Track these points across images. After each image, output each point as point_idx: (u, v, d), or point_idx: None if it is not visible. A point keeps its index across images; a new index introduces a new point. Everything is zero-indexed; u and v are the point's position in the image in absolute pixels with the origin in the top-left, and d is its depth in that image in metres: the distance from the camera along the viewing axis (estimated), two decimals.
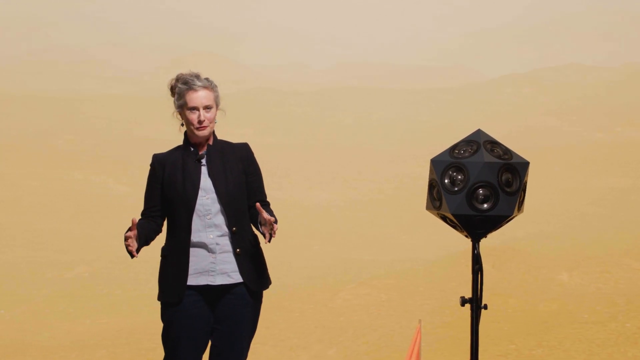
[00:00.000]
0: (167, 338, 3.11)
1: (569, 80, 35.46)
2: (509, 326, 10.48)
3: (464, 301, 2.82)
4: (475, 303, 2.80)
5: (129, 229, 3.01)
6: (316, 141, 27.53)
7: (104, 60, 46.77)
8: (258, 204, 3.05)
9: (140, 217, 3.18)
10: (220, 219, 3.09)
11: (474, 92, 34.03)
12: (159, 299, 3.14)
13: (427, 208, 2.87)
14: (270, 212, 3.16)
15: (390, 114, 31.21)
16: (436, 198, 2.83)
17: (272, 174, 23.76)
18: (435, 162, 2.83)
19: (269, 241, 3.06)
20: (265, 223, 3.04)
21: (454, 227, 2.83)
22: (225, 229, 3.09)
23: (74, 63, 45.06)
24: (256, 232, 3.21)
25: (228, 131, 29.41)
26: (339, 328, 11.47)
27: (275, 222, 3.06)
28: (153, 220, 3.16)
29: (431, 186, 2.87)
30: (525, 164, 2.87)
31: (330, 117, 30.72)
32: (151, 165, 3.18)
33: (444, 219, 2.84)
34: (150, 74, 41.78)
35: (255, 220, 3.15)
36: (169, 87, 3.24)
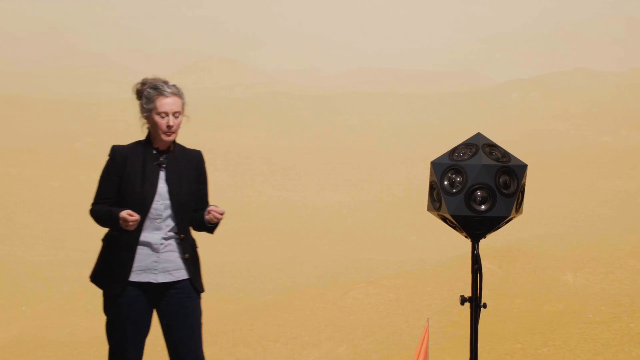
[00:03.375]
0: (113, 333, 3.20)
1: (575, 84, 35.28)
2: (514, 325, 10.44)
3: (463, 300, 2.84)
4: (474, 302, 2.82)
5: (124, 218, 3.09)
6: (327, 144, 27.55)
7: (122, 65, 47.02)
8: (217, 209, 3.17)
9: (92, 206, 3.21)
10: (169, 223, 3.15)
11: (482, 97, 33.93)
12: (92, 280, 3.22)
13: (428, 209, 2.90)
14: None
15: (399, 117, 31.18)
16: (436, 199, 2.86)
17: (284, 176, 23.78)
18: (435, 165, 2.86)
19: (209, 222, 3.17)
20: (211, 215, 3.16)
21: (454, 227, 2.85)
22: (172, 233, 3.16)
23: (93, 68, 45.34)
24: (194, 237, 3.28)
25: (242, 134, 29.53)
26: (348, 326, 11.48)
27: (221, 213, 3.19)
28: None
29: (431, 188, 2.89)
30: (523, 167, 2.88)
31: (341, 121, 30.73)
32: (111, 156, 3.19)
33: (444, 219, 2.86)
34: (167, 78, 41.87)
35: (197, 222, 3.23)
36: (135, 90, 3.24)
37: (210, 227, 3.20)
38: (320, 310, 12.06)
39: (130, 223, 3.06)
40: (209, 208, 3.16)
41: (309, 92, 35.72)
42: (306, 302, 12.34)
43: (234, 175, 23.90)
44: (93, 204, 3.21)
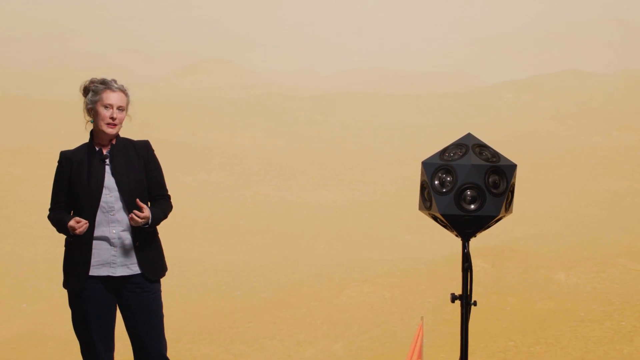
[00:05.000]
0: (79, 326, 3.27)
1: (567, 86, 35.35)
2: (507, 324, 10.45)
3: (454, 298, 2.85)
4: (465, 300, 2.83)
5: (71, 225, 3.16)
6: (322, 144, 27.55)
7: (121, 66, 46.94)
8: (137, 199, 3.18)
9: (49, 211, 3.32)
10: (122, 215, 3.20)
11: (475, 98, 33.97)
12: (64, 286, 3.29)
13: (420, 208, 2.91)
14: (164, 205, 3.29)
15: (393, 118, 31.20)
16: (427, 199, 2.86)
17: (280, 176, 23.77)
18: (425, 165, 2.87)
19: (131, 222, 3.17)
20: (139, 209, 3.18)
21: (445, 226, 2.86)
22: (127, 224, 3.20)
23: (92, 69, 45.24)
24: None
25: (239, 134, 29.49)
26: (344, 324, 11.47)
27: (146, 219, 3.16)
28: (66, 212, 3.30)
29: (422, 187, 2.90)
30: (513, 167, 2.87)
31: (335, 121, 30.74)
32: (59, 162, 3.30)
33: (435, 218, 2.87)
34: (164, 79, 41.90)
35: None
36: (82, 87, 3.33)
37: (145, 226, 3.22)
38: (316, 308, 12.06)
39: (78, 231, 3.14)
40: (131, 214, 3.17)
41: (304, 93, 35.72)
42: (302, 300, 12.33)
43: (231, 174, 23.88)
44: (49, 210, 3.33)
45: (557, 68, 42.34)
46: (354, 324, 11.38)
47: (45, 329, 12.41)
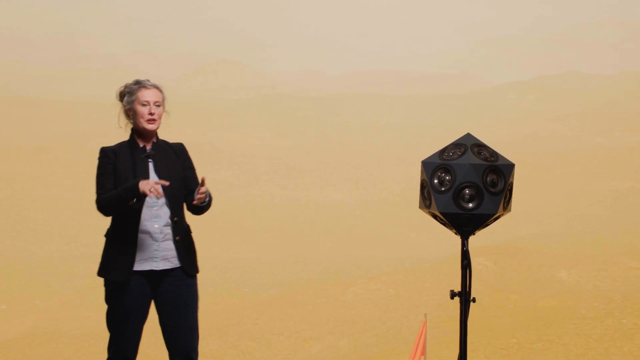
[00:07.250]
0: (114, 320, 3.26)
1: (570, 87, 35.26)
2: (510, 321, 10.43)
3: (453, 294, 2.87)
4: (464, 296, 2.85)
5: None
6: (329, 144, 27.57)
7: (132, 67, 47.10)
8: (204, 177, 3.25)
9: (98, 197, 3.33)
10: (164, 210, 3.25)
11: (479, 99, 33.93)
12: (99, 274, 3.29)
13: (420, 207, 2.93)
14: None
15: (399, 118, 31.19)
16: (427, 197, 2.89)
17: (288, 175, 23.81)
18: (425, 164, 2.90)
19: (195, 201, 3.24)
20: (198, 191, 3.23)
21: (444, 224, 2.88)
22: (168, 219, 3.25)
23: (105, 70, 45.46)
24: (188, 221, 3.38)
25: (247, 134, 29.55)
26: (349, 321, 11.49)
27: (206, 194, 3.24)
28: None
29: (422, 186, 2.93)
30: (511, 166, 2.89)
31: (342, 122, 30.76)
32: (102, 154, 3.33)
33: (434, 217, 2.89)
34: (175, 80, 42.00)
35: (191, 205, 3.33)
36: (118, 93, 3.38)
37: (202, 206, 3.29)
38: (322, 305, 12.07)
39: (154, 191, 3.12)
40: (200, 188, 3.24)
41: (311, 94, 35.77)
42: (309, 297, 12.35)
43: (239, 174, 23.95)
44: (98, 196, 3.33)
45: (560, 69, 42.21)
46: (359, 321, 11.39)
47: (58, 325, 12.47)
